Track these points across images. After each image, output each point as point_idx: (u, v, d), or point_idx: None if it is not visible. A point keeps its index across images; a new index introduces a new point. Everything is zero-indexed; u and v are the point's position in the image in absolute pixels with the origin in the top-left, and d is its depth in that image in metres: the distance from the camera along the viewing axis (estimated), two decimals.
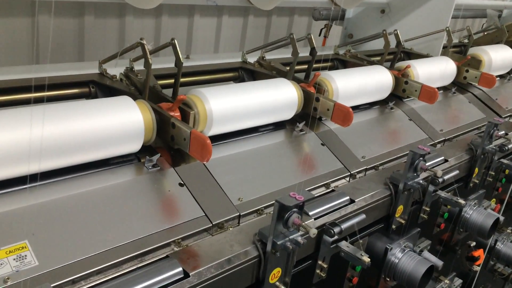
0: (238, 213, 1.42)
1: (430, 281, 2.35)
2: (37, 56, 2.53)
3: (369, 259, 1.45)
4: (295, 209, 1.23)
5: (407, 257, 1.84)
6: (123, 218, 1.25)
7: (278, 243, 1.24)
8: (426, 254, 1.96)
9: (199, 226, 1.33)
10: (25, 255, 1.06)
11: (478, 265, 2.47)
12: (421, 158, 1.66)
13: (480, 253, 2.44)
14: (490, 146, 2.11)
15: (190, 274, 1.13)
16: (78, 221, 1.19)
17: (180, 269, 1.14)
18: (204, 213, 1.37)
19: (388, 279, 1.88)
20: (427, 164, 1.73)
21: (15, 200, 1.16)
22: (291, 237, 1.26)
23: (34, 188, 1.19)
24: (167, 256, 1.19)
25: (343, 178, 1.76)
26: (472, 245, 2.42)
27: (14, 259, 1.05)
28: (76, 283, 1.07)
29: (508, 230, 2.93)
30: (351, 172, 1.79)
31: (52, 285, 1.02)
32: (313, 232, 1.20)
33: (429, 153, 1.68)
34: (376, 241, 1.80)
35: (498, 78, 3.18)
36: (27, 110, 1.20)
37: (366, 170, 1.85)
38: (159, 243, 1.23)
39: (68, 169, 1.27)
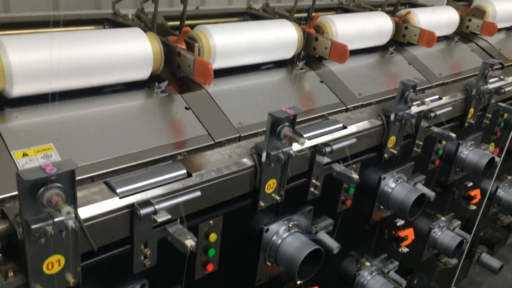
0: (239, 134, 1.57)
1: (427, 220, 2.49)
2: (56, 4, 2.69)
3: (357, 177, 1.59)
4: (286, 123, 1.37)
5: (400, 187, 1.98)
6: (135, 131, 1.41)
7: (272, 153, 1.39)
8: (419, 186, 2.09)
9: (202, 143, 1.48)
10: (51, 155, 1.24)
11: (475, 204, 2.59)
12: (411, 90, 1.77)
13: (476, 193, 2.55)
14: (485, 86, 2.20)
15: (192, 174, 1.30)
16: (96, 132, 1.36)
17: (184, 171, 1.30)
18: (207, 132, 1.52)
19: (382, 207, 2.02)
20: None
21: (43, 112, 1.33)
22: (284, 149, 1.41)
23: (58, 103, 1.36)
24: (172, 162, 1.36)
25: (339, 112, 1.89)
26: (469, 185, 2.53)
27: (42, 157, 1.22)
28: (94, 180, 1.24)
29: (509, 177, 3.02)
30: (347, 107, 1.92)
31: None
32: (302, 141, 1.34)
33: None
34: (370, 172, 1.93)
35: (504, 31, 3.23)
36: (49, 35, 1.36)
37: (362, 106, 1.97)
38: (166, 154, 1.39)
39: (87, 91, 1.44)
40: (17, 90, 1.28)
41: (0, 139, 1.22)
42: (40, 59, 1.29)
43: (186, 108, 1.56)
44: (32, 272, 1.03)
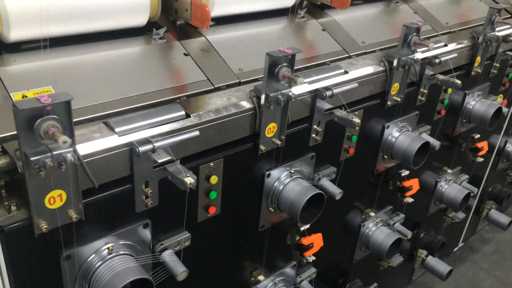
0: (238, 80, 1.56)
1: (433, 173, 2.48)
2: None
3: (359, 121, 1.58)
4: (284, 63, 1.36)
5: (404, 136, 1.97)
6: (133, 76, 1.41)
7: (271, 95, 1.38)
8: (424, 135, 2.08)
9: (201, 88, 1.48)
10: None
11: (482, 156, 2.56)
12: (414, 33, 1.73)
13: (484, 145, 2.53)
14: (493, 33, 2.14)
15: (191, 115, 1.30)
16: (95, 76, 1.36)
17: (183, 112, 1.30)
18: (207, 77, 1.52)
19: (386, 157, 2.01)
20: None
21: (41, 57, 1.33)
22: (283, 91, 1.40)
23: (57, 48, 1.36)
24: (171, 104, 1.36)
25: (342, 59, 1.86)
26: (476, 137, 2.50)
27: None
28: (92, 121, 1.25)
29: None
30: (350, 54, 1.89)
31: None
32: (301, 81, 1.33)
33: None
34: (373, 121, 1.91)
35: None
36: None
37: (365, 53, 1.94)
38: (165, 97, 1.39)
39: (85, 37, 1.43)
40: (15, 34, 1.28)
41: None
42: (36, 3, 1.29)
43: (185, 54, 1.55)
44: (34, 206, 1.05)
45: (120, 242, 1.26)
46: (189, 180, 1.18)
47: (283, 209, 1.61)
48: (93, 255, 1.22)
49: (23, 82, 1.25)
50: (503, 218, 3.19)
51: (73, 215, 1.11)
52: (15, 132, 1.11)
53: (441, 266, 2.76)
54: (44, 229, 1.07)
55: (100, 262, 1.22)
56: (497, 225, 3.22)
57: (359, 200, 2.12)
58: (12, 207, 1.06)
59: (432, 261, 2.78)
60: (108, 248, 1.23)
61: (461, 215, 2.81)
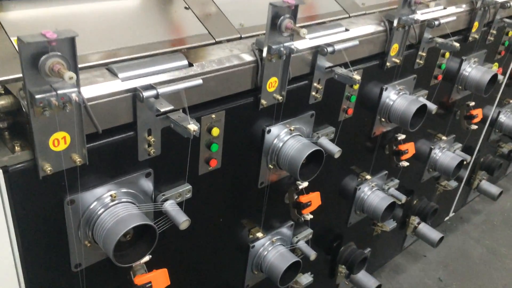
0: (239, 35, 1.56)
1: (427, 141, 2.51)
2: None
3: (359, 77, 1.58)
4: (287, 14, 1.35)
5: (402, 98, 1.98)
6: (135, 27, 1.40)
7: (273, 47, 1.38)
8: (422, 99, 2.09)
9: (203, 41, 1.47)
10: None
11: (476, 124, 2.60)
12: None
13: (478, 112, 2.56)
14: None
15: (193, 64, 1.29)
16: (96, 25, 1.34)
17: (185, 61, 1.30)
18: (208, 31, 1.51)
19: (383, 120, 2.03)
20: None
21: (42, 4, 1.31)
22: (285, 44, 1.40)
23: None
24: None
25: (342, 19, 1.85)
26: (471, 104, 2.53)
27: None
28: (93, 67, 1.24)
29: None
30: (350, 15, 1.89)
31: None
32: (304, 32, 1.33)
33: None
34: (371, 84, 1.92)
35: None
36: None
37: (365, 14, 1.93)
38: (167, 48, 1.39)
39: None
40: None
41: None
42: None
43: (185, 8, 1.54)
44: (38, 147, 1.05)
45: (122, 190, 1.26)
46: (193, 127, 1.19)
47: (283, 165, 1.62)
48: (96, 202, 1.22)
49: (23, 27, 1.23)
50: (493, 189, 3.25)
51: (77, 159, 1.11)
52: (17, 76, 1.12)
53: (433, 233, 2.81)
54: (49, 171, 1.07)
55: (103, 209, 1.22)
56: (488, 195, 3.28)
57: (356, 164, 2.14)
58: (16, 147, 1.05)
59: (424, 228, 2.84)
60: (111, 195, 1.24)
61: (453, 183, 2.86)
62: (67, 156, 1.10)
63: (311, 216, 1.80)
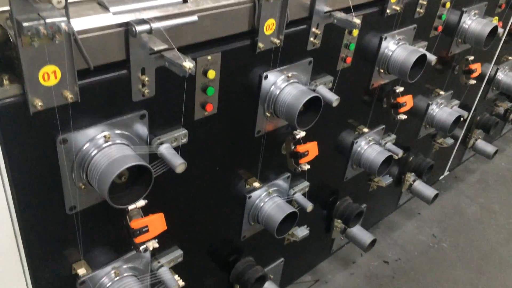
0: None
1: (425, 97, 2.49)
2: None
3: (359, 21, 1.54)
4: None
5: (401, 48, 1.94)
6: None
7: None
8: (421, 49, 2.05)
9: None
10: None
11: (475, 79, 2.57)
12: None
13: (477, 67, 2.52)
14: None
15: (188, 0, 1.24)
16: None
17: None
18: None
19: (381, 71, 2.00)
20: None
21: None
22: None
23: None
24: None
25: None
26: (470, 59, 2.50)
27: None
28: (83, 2, 1.19)
29: (510, 58, 2.98)
30: None
31: None
32: None
33: None
34: (370, 35, 1.88)
35: None
36: None
37: None
38: None
39: None
40: None
41: None
42: None
43: None
44: (28, 81, 1.01)
45: (116, 132, 1.23)
46: (188, 64, 1.15)
47: (280, 113, 1.59)
48: (89, 143, 1.19)
49: None
50: (489, 148, 3.25)
51: (68, 95, 1.07)
52: (5, 8, 1.07)
53: (428, 190, 2.83)
54: (39, 107, 1.04)
55: (96, 150, 1.19)
56: (483, 154, 3.29)
57: (353, 117, 2.12)
58: (5, 81, 1.01)
59: (419, 185, 2.85)
60: (104, 136, 1.21)
61: (449, 140, 2.85)
62: (58, 92, 1.06)
63: (308, 166, 1.78)
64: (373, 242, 2.48)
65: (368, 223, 2.75)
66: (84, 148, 1.19)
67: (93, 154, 1.19)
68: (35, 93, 1.03)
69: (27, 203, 1.17)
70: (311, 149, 1.75)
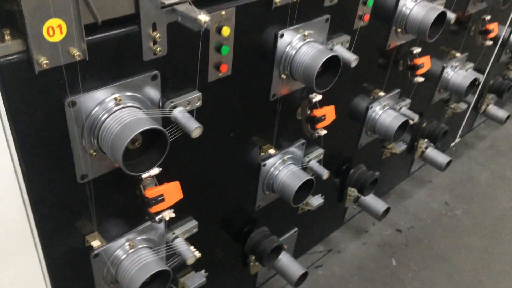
0: None
1: (439, 61, 2.39)
2: None
3: None
4: None
5: (419, 6, 1.84)
6: None
7: None
8: (439, 6, 1.95)
9: None
10: None
11: (491, 39, 2.47)
12: None
13: (494, 27, 2.42)
14: None
15: None
16: None
17: None
18: None
19: (399, 30, 1.90)
20: None
21: None
22: None
23: None
24: None
25: None
26: (486, 18, 2.39)
27: None
28: None
29: None
30: None
31: None
32: None
33: None
34: None
35: None
36: None
37: None
38: None
39: None
40: None
41: None
42: None
43: None
44: (31, 36, 0.92)
45: (127, 94, 1.15)
46: (204, 17, 1.05)
47: (297, 75, 1.50)
48: (99, 107, 1.11)
49: None
50: (501, 113, 3.18)
51: (75, 53, 0.98)
52: None
53: (440, 157, 2.76)
54: (45, 65, 0.95)
55: (107, 114, 1.11)
56: (495, 120, 3.21)
57: (368, 81, 2.03)
58: (6, 36, 0.92)
59: (432, 152, 2.78)
60: (115, 99, 1.12)
61: (463, 105, 2.77)
62: (64, 50, 0.97)
63: (325, 132, 1.70)
64: (387, 211, 2.43)
65: (379, 192, 2.69)
66: (94, 112, 1.11)
67: (103, 118, 1.11)
68: (40, 49, 0.94)
69: (36, 172, 1.09)
70: (329, 113, 1.67)
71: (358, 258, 2.54)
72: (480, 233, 2.73)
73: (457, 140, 3.26)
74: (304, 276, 2.08)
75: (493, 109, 3.19)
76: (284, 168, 1.78)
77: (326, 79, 1.53)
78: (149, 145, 1.18)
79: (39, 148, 1.07)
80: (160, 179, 1.28)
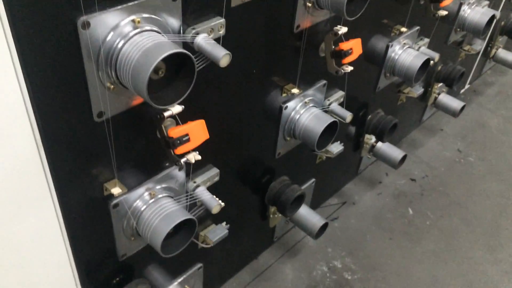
0: None
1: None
2: None
3: None
4: None
5: None
6: None
7: None
8: None
9: None
10: None
11: None
12: None
13: None
14: None
15: None
16: None
17: None
18: None
19: None
20: None
21: None
22: None
23: None
24: None
25: None
26: None
27: None
28: None
29: None
30: None
31: None
32: None
33: None
34: None
35: None
36: None
37: None
38: None
39: None
40: None
41: None
42: None
43: None
44: None
45: (145, 16, 1.00)
46: None
47: (324, 1, 1.36)
48: (116, 31, 0.96)
49: None
50: (511, 57, 3.07)
51: None
52: None
53: (454, 103, 2.67)
54: None
55: (123, 41, 0.97)
56: (505, 64, 3.11)
57: (389, 16, 1.89)
58: None
59: (445, 98, 2.69)
60: (133, 21, 0.98)
61: (477, 46, 2.66)
62: None
63: (351, 68, 1.57)
64: (404, 158, 2.35)
65: (391, 141, 2.59)
66: (110, 37, 0.96)
67: (121, 44, 0.97)
68: None
69: (47, 107, 0.95)
70: (355, 46, 1.54)
71: (373, 209, 2.47)
72: (495, 178, 2.67)
73: (467, 86, 3.16)
74: (324, 227, 2.00)
75: (503, 53, 3.08)
76: (305, 112, 1.66)
77: (354, 7, 1.40)
78: (172, 76, 1.04)
79: (49, 79, 0.93)
80: (181, 120, 1.15)
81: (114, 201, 1.20)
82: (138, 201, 1.27)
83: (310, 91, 1.67)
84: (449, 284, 2.14)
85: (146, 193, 1.28)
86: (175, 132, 1.12)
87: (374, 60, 1.98)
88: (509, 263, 2.25)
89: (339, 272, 2.16)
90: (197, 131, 1.16)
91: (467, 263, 2.24)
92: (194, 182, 1.42)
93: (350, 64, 1.56)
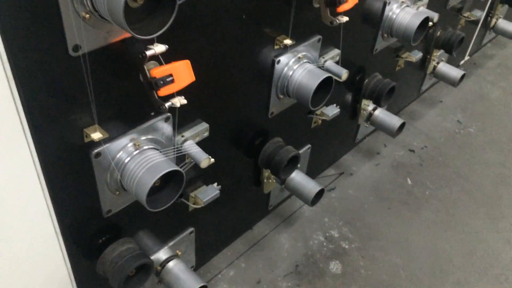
0: None
1: None
2: None
3: None
4: None
5: None
6: None
7: None
8: None
9: None
10: None
11: None
12: None
13: None
14: None
15: None
16: None
17: None
18: None
19: None
20: None
21: None
22: None
23: None
24: None
25: None
26: None
27: None
28: None
29: None
30: None
31: None
32: None
33: None
34: None
35: None
36: None
37: None
38: None
39: None
40: None
41: None
42: None
43: None
44: None
45: None
46: None
47: None
48: None
49: None
50: (511, 27, 3.00)
51: None
52: None
53: (453, 71, 2.60)
54: None
55: None
56: (505, 35, 3.04)
57: None
58: None
59: (444, 67, 2.62)
60: None
61: (477, 12, 2.59)
62: None
63: (347, 18, 1.50)
64: (402, 126, 2.28)
65: (390, 111, 2.53)
66: None
67: None
68: None
69: (16, 39, 0.88)
70: None
71: (371, 179, 2.41)
72: (495, 149, 2.61)
73: (466, 58, 3.09)
74: (320, 194, 1.93)
75: (503, 23, 3.01)
76: (299, 67, 1.58)
77: None
78: (153, 8, 0.97)
79: (18, 6, 0.85)
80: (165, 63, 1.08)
81: (96, 150, 1.13)
82: (121, 152, 1.20)
83: (303, 46, 1.60)
84: (449, 253, 2.08)
85: (130, 144, 1.21)
86: (158, 71, 1.05)
87: (370, 20, 1.91)
88: (510, 232, 2.19)
89: (336, 241, 2.10)
90: (182, 71, 1.09)
91: (467, 232, 2.18)
92: (182, 136, 1.36)
93: (345, 14, 1.49)
